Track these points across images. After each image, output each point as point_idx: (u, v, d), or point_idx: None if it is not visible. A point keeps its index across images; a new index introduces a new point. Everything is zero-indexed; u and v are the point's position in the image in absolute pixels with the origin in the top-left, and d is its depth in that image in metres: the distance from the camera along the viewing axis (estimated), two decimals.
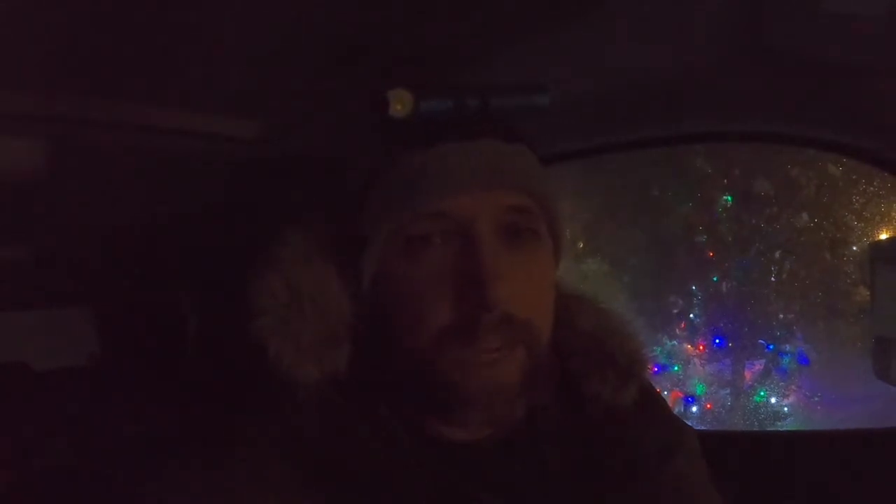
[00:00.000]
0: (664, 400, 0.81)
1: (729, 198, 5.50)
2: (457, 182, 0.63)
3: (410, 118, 0.63)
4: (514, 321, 0.62)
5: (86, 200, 0.96)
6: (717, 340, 5.65)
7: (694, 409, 5.59)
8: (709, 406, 5.67)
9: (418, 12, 0.76)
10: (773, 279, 5.55)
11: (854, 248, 5.29)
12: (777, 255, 5.51)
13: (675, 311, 5.69)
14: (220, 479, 0.62)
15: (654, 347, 5.48)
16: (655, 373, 5.31)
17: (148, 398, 1.14)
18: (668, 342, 5.74)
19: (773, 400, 5.61)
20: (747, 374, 5.71)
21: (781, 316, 5.59)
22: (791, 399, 5.65)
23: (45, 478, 1.13)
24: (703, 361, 5.73)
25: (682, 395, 5.63)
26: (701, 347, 5.72)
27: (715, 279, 5.60)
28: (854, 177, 5.13)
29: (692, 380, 5.73)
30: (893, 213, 5.23)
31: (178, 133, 0.92)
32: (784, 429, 5.33)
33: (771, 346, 5.62)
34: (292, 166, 1.07)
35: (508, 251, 0.63)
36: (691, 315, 5.72)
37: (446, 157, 0.63)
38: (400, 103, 0.63)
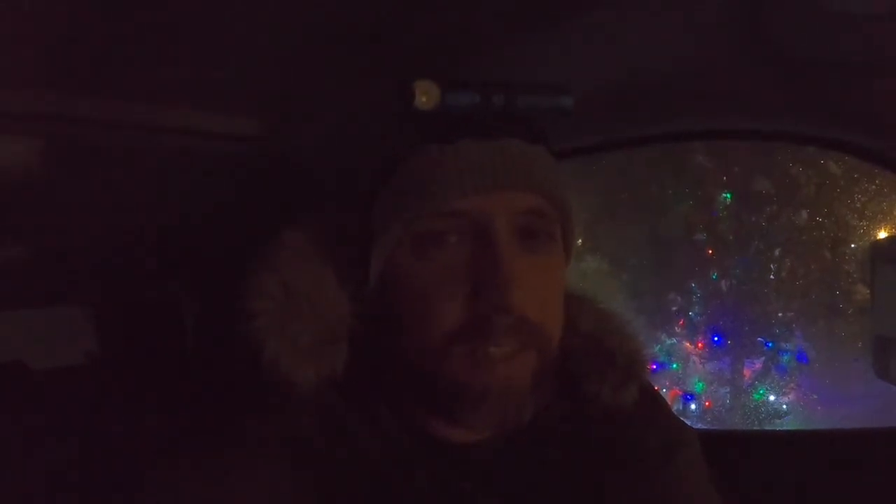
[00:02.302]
0: (664, 400, 0.81)
1: (728, 196, 5.50)
2: (477, 181, 0.61)
3: (435, 111, 0.62)
4: (528, 324, 0.61)
5: (84, 200, 0.96)
6: (717, 338, 5.66)
7: (693, 406, 5.59)
8: (708, 404, 5.68)
9: (420, 9, 0.76)
10: (772, 277, 5.55)
11: (854, 247, 5.29)
12: (777, 253, 5.51)
13: (675, 308, 5.69)
14: (217, 480, 0.62)
15: (654, 345, 5.48)
16: (654, 371, 5.31)
17: (146, 398, 1.14)
18: (667, 340, 5.74)
19: (772, 398, 5.61)
20: (746, 372, 5.71)
21: (781, 314, 5.59)
22: (790, 397, 5.66)
23: (43, 477, 1.13)
24: (702, 359, 5.73)
25: (681, 393, 5.63)
26: (700, 345, 5.73)
27: (714, 277, 5.60)
28: (855, 175, 5.13)
29: (691, 378, 5.73)
30: (894, 212, 5.23)
31: (178, 132, 0.92)
32: (783, 427, 5.33)
33: (770, 345, 5.62)
34: (292, 165, 1.07)
35: (524, 253, 0.62)
36: (691, 313, 5.72)
37: (467, 154, 0.62)
38: (425, 95, 0.62)
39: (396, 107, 0.63)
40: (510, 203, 0.62)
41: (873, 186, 5.13)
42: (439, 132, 0.64)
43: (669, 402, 0.85)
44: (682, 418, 0.84)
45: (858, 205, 5.26)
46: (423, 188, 0.62)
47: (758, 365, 5.69)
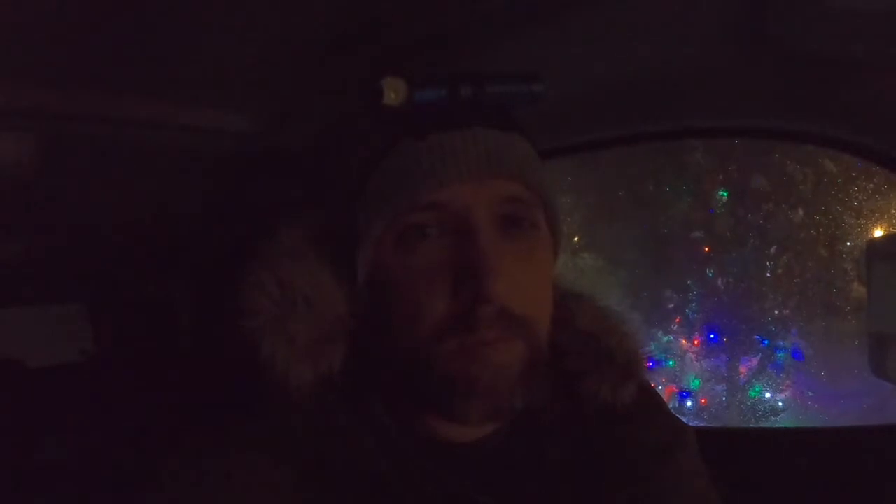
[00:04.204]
0: (662, 399, 0.82)
1: (725, 193, 5.50)
2: (452, 172, 0.62)
3: (404, 107, 0.63)
4: (512, 316, 0.61)
5: (80, 198, 0.96)
6: (713, 335, 5.66)
7: (689, 404, 5.60)
8: (704, 401, 5.69)
9: (415, 8, 0.76)
10: (768, 275, 5.56)
11: (850, 245, 5.30)
12: (773, 250, 5.51)
13: (671, 306, 5.70)
14: (214, 479, 0.62)
15: (650, 342, 5.48)
16: (650, 368, 5.30)
17: (143, 397, 1.13)
18: (663, 337, 5.75)
19: (767, 395, 5.63)
20: (742, 370, 5.72)
21: (777, 312, 5.60)
22: (786, 394, 5.67)
23: (40, 474, 1.12)
24: (698, 356, 5.74)
25: (677, 391, 5.64)
26: (696, 342, 5.73)
27: (711, 274, 5.61)
28: (852, 173, 5.13)
29: (687, 375, 5.74)
30: (891, 210, 5.24)
31: (174, 128, 0.92)
32: (779, 424, 5.35)
33: (766, 342, 5.63)
34: (286, 161, 1.07)
35: (506, 242, 0.62)
36: (687, 310, 5.72)
37: (441, 146, 0.62)
38: (394, 92, 0.62)
39: (366, 106, 0.64)
40: (488, 192, 0.62)
41: (870, 185, 5.13)
42: (411, 128, 0.64)
43: (665, 399, 0.86)
44: (678, 415, 0.84)
45: (855, 203, 5.25)
46: (400, 184, 0.62)
47: (754, 362, 5.70)
